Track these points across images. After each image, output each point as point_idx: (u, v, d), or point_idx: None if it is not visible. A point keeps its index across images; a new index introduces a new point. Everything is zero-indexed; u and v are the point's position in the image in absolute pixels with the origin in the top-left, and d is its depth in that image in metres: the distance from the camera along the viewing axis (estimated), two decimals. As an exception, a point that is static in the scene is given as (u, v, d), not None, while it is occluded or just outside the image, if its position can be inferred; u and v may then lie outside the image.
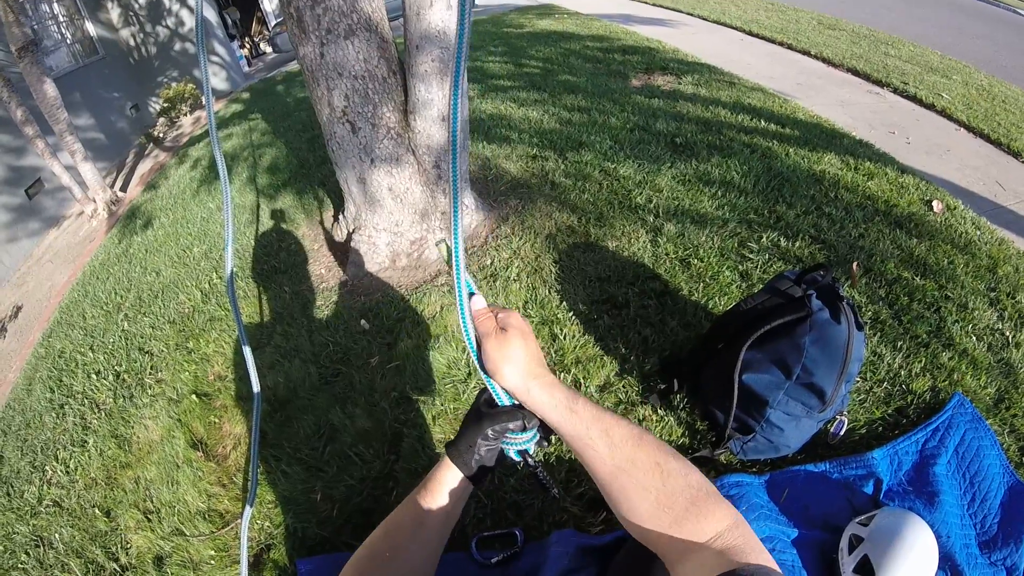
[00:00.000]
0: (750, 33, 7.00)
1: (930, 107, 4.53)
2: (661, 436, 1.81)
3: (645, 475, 0.64)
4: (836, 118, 4.20)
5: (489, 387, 0.79)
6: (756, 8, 8.41)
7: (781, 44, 6.45)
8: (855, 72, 5.42)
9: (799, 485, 1.63)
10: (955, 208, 2.94)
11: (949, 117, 4.34)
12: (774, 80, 5.16)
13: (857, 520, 1.46)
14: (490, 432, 0.77)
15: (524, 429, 0.78)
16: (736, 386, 1.60)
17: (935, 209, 2.92)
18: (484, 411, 0.79)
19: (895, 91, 4.90)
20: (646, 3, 9.46)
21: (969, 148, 3.89)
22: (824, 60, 5.83)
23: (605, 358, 2.14)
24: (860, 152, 3.54)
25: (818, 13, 7.94)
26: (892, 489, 1.62)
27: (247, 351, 1.20)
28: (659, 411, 1.89)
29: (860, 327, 1.55)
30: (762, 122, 3.99)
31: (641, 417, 1.89)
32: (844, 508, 1.57)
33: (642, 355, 2.11)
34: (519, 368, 0.74)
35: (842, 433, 1.73)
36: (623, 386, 2.01)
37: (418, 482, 0.81)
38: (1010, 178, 3.46)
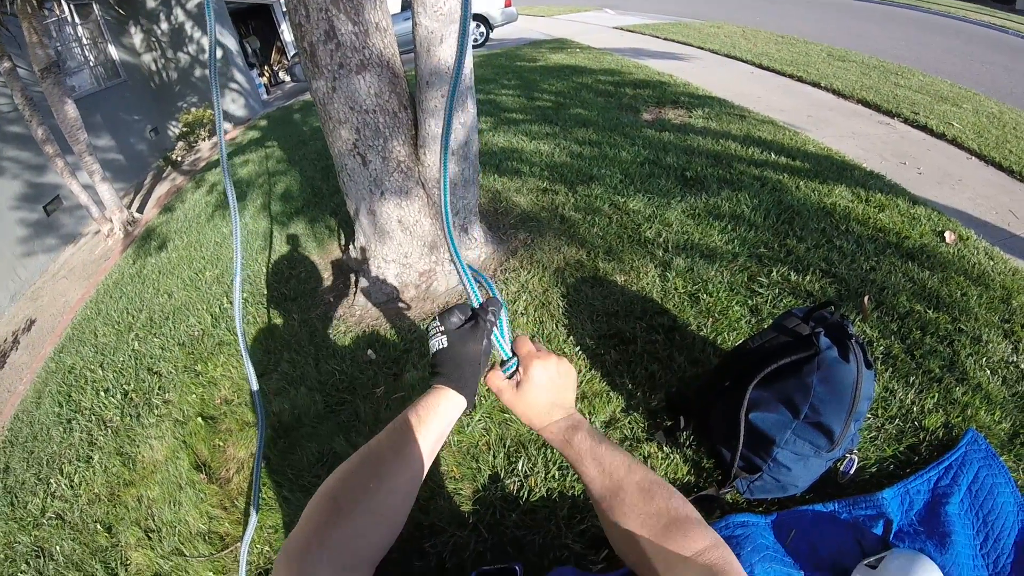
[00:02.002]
0: (760, 66, 7.04)
1: (941, 136, 4.51)
2: (667, 474, 1.80)
3: (632, 497, 0.68)
4: (847, 150, 4.20)
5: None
6: (766, 41, 8.50)
7: (791, 76, 6.49)
8: (865, 103, 5.43)
9: (807, 525, 1.59)
10: (968, 238, 2.90)
11: (960, 146, 4.33)
12: (785, 113, 5.18)
13: (866, 562, 1.43)
14: (485, 337, 0.78)
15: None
16: (742, 425, 1.58)
17: (947, 240, 2.88)
18: (467, 330, 0.79)
19: (905, 121, 4.90)
20: (657, 37, 9.58)
21: (981, 177, 3.86)
22: (834, 92, 5.85)
23: (611, 393, 2.12)
24: (871, 184, 3.52)
25: (828, 45, 8.01)
26: (903, 530, 1.57)
27: (249, 367, 1.21)
28: (665, 448, 1.86)
29: (869, 365, 1.52)
30: (772, 155, 3.99)
31: (647, 454, 1.86)
32: (853, 549, 1.53)
33: (649, 391, 2.09)
34: (542, 402, 0.78)
35: (852, 472, 1.69)
36: (629, 422, 1.99)
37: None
38: (1023, 207, 3.43)
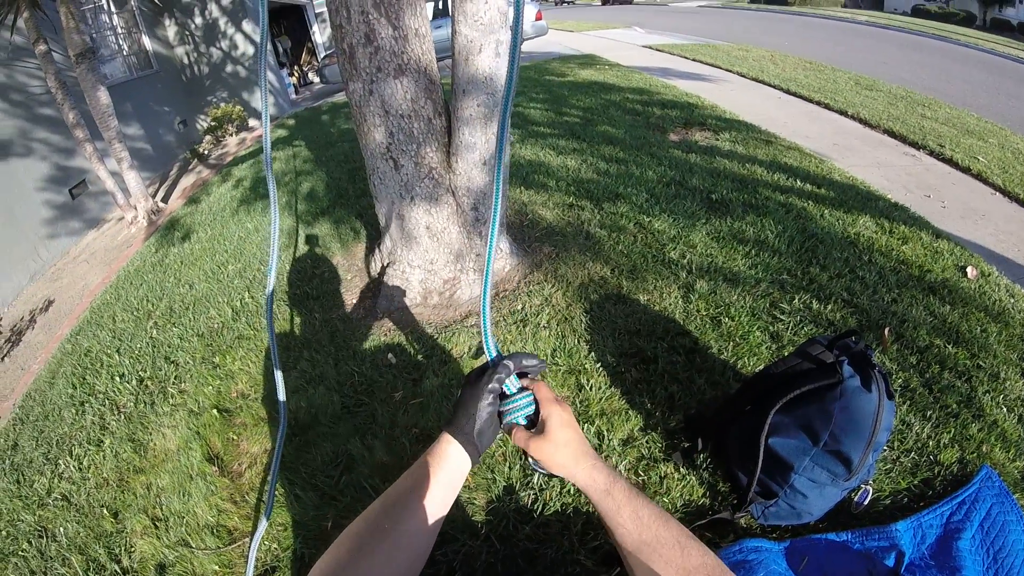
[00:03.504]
0: (788, 91, 7.06)
1: (966, 170, 4.49)
2: (682, 495, 1.79)
3: (668, 551, 0.69)
4: (872, 179, 4.19)
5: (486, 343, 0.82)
6: (794, 67, 8.50)
7: (819, 103, 6.49)
8: (891, 133, 5.42)
9: (819, 554, 1.59)
10: (989, 275, 2.89)
11: (985, 181, 4.30)
12: (811, 139, 5.18)
13: None
14: (487, 390, 0.79)
15: (511, 374, 0.81)
16: (762, 449, 1.57)
17: (969, 275, 2.87)
18: (475, 378, 0.81)
19: (931, 153, 4.89)
20: (686, 58, 9.62)
21: (1005, 213, 3.84)
22: (861, 121, 5.84)
23: (630, 412, 2.11)
24: (895, 215, 3.50)
25: (855, 73, 8.00)
26: (914, 563, 1.56)
27: (277, 367, 1.21)
28: (681, 469, 1.86)
29: (891, 396, 1.53)
30: (798, 182, 3.99)
31: (663, 475, 1.85)
32: None
33: (667, 411, 2.08)
34: (574, 444, 0.78)
35: (866, 503, 1.68)
36: (647, 441, 1.98)
37: (433, 531, 0.80)
38: None
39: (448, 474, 0.77)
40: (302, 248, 3.94)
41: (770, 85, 7.44)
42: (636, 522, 0.72)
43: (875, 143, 5.25)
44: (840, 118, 6.04)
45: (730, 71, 8.41)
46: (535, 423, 0.82)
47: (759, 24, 14.54)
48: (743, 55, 9.53)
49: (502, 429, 0.84)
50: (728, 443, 1.78)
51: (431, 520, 0.74)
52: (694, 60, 9.38)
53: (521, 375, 0.85)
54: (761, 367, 2.23)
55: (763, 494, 1.64)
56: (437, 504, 0.75)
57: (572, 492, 1.83)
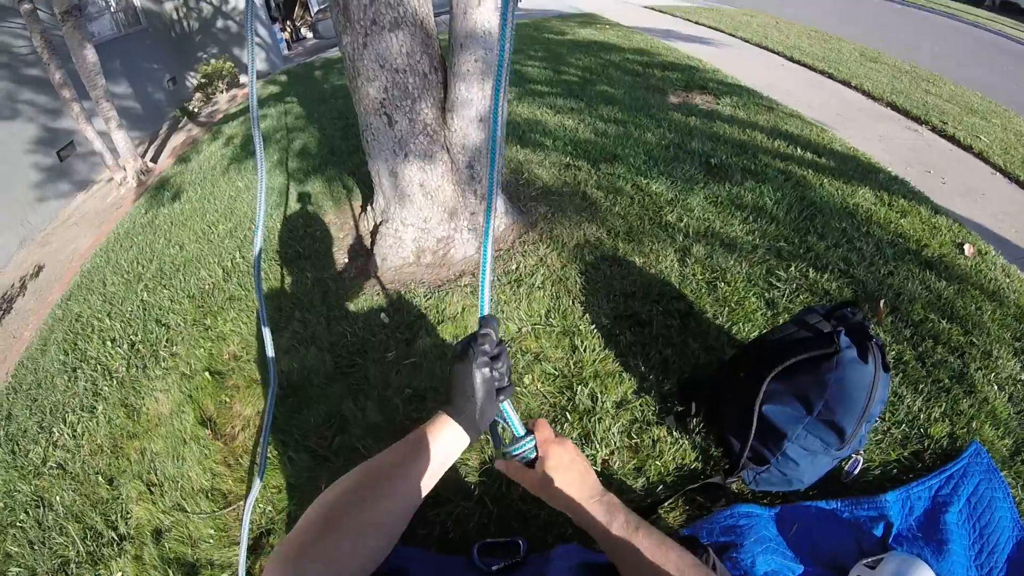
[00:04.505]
0: (791, 59, 6.92)
1: (967, 149, 4.45)
2: (675, 459, 1.80)
3: None
4: (873, 152, 4.13)
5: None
6: (799, 34, 8.33)
7: (822, 73, 6.37)
8: (894, 107, 5.34)
9: (809, 521, 1.61)
10: (986, 253, 2.89)
11: (986, 160, 4.26)
12: (813, 109, 5.10)
13: (864, 562, 1.45)
14: (478, 365, 0.77)
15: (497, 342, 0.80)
16: (756, 416, 1.58)
17: (966, 253, 2.87)
18: (462, 351, 0.80)
19: (933, 129, 4.82)
20: (688, 20, 9.41)
21: (1004, 194, 3.82)
22: (864, 92, 5.75)
23: (624, 374, 2.11)
24: (895, 188, 3.48)
25: (861, 45, 7.84)
26: (901, 534, 1.59)
27: (265, 324, 1.19)
28: (674, 433, 1.86)
29: (887, 368, 1.52)
30: (798, 150, 3.94)
31: (656, 438, 1.86)
32: (852, 548, 1.55)
33: (661, 375, 2.08)
34: (584, 478, 0.79)
35: (856, 472, 1.70)
36: (640, 404, 1.98)
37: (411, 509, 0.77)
38: None
39: (444, 455, 0.76)
40: (294, 206, 3.88)
41: (773, 52, 7.29)
42: (634, 555, 0.72)
43: (877, 115, 5.17)
44: (843, 88, 5.94)
45: (733, 35, 8.23)
46: (534, 463, 0.82)
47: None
48: (747, 20, 9.32)
49: (499, 459, 0.85)
50: (722, 409, 1.78)
51: (414, 497, 0.73)
52: (697, 23, 9.17)
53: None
54: (755, 334, 2.24)
55: (755, 460, 1.65)
56: (425, 481, 0.74)
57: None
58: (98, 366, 2.89)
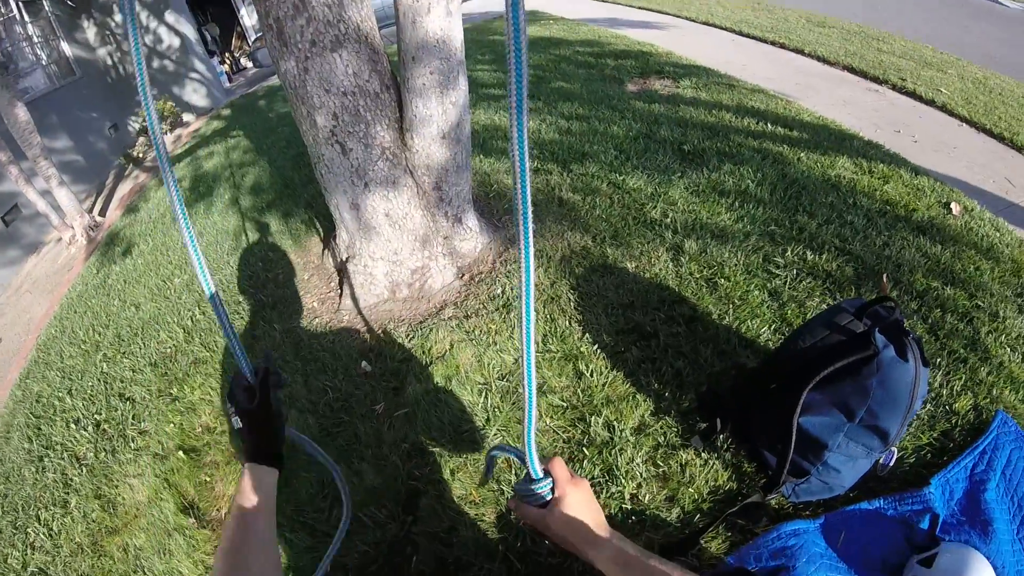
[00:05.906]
0: (740, 33, 6.90)
1: (930, 103, 4.46)
2: (707, 482, 1.68)
3: None
4: (841, 118, 4.10)
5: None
6: (743, 8, 8.33)
7: (773, 43, 6.36)
8: (851, 69, 5.34)
9: (856, 525, 1.56)
10: (972, 209, 2.87)
11: (951, 113, 4.28)
12: (772, 81, 5.05)
13: (918, 560, 1.41)
14: (230, 410, 0.86)
15: None
16: (795, 429, 1.48)
17: (954, 211, 2.84)
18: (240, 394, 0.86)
19: (894, 88, 4.83)
20: (631, 6, 9.35)
21: (974, 144, 3.83)
22: (819, 59, 5.74)
23: (638, 396, 1.97)
24: (871, 154, 3.44)
25: (806, 11, 7.86)
26: (947, 522, 1.55)
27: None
28: (703, 454, 1.73)
29: (927, 363, 1.45)
30: (768, 125, 3.87)
31: (684, 462, 1.72)
32: (902, 546, 1.49)
33: (677, 390, 1.95)
34: (596, 520, 0.75)
35: (892, 463, 1.65)
36: (661, 427, 1.84)
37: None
38: (1017, 174, 3.41)
39: (261, 500, 0.79)
40: (252, 250, 3.67)
41: (721, 28, 7.26)
42: None
43: (837, 80, 5.16)
44: (798, 57, 5.92)
45: (678, 16, 8.18)
46: (548, 504, 0.78)
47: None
48: (689, -1, 9.31)
49: (514, 501, 0.82)
50: (753, 423, 1.69)
51: (269, 550, 0.78)
52: (640, 8, 9.12)
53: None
54: (764, 329, 2.16)
55: (793, 473, 1.57)
56: (268, 531, 0.79)
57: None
58: (64, 453, 2.66)
